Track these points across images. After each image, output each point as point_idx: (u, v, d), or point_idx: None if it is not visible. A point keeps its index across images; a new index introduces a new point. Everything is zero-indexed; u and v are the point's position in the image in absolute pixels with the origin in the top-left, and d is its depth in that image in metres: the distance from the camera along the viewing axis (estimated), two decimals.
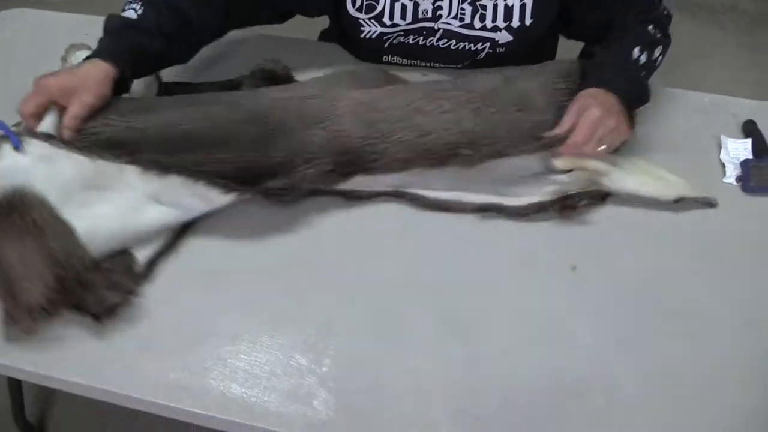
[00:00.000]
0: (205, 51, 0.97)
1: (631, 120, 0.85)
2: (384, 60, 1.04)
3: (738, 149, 0.91)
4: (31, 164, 0.73)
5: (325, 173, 0.78)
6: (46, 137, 0.75)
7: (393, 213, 0.82)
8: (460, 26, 0.95)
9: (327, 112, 0.80)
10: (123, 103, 0.82)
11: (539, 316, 0.72)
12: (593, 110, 0.80)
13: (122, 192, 0.75)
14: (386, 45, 1.00)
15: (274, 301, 0.73)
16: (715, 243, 0.80)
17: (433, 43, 0.98)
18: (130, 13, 0.85)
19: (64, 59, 0.98)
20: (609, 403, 0.65)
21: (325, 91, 0.85)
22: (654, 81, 0.93)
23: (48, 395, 1.38)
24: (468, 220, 0.81)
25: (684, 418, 0.64)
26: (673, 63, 1.02)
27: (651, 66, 0.91)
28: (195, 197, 0.76)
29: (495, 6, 0.93)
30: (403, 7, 0.95)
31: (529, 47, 0.98)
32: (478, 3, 0.93)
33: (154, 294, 0.73)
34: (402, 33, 0.98)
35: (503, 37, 0.95)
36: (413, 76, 1.02)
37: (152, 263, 0.75)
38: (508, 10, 0.93)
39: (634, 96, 0.87)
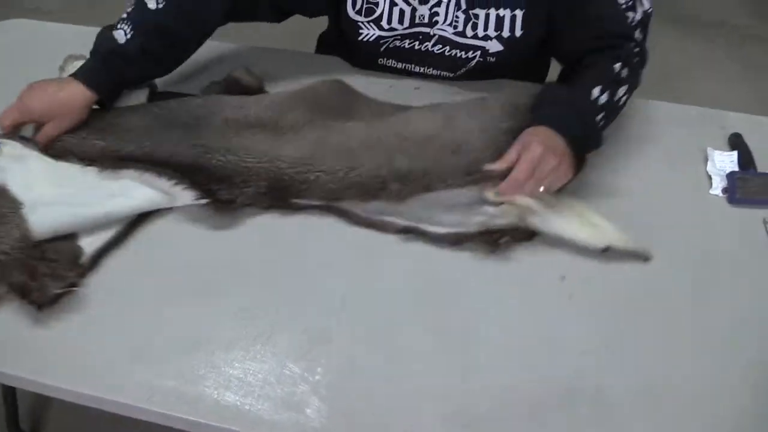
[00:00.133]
0: (201, 62, 0.99)
1: (581, 162, 0.82)
2: (380, 63, 1.06)
3: (724, 161, 0.92)
4: (5, 164, 0.81)
5: (260, 195, 0.82)
6: (22, 140, 0.84)
7: None
8: (454, 33, 0.97)
9: (265, 145, 0.85)
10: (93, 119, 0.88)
11: (528, 325, 0.73)
12: (535, 147, 0.78)
13: (82, 188, 0.81)
14: (383, 48, 1.01)
15: (268, 309, 0.73)
16: (701, 253, 0.81)
17: (428, 48, 1.00)
18: (120, 35, 0.87)
19: (62, 69, 0.99)
20: (596, 412, 0.65)
21: (275, 117, 0.89)
22: (642, 94, 0.95)
23: (42, 402, 1.38)
24: None
25: (670, 427, 0.65)
26: (662, 76, 1.04)
27: (613, 107, 0.87)
28: (145, 186, 0.81)
29: (487, 16, 0.95)
30: (401, 12, 0.96)
31: (519, 58, 0.99)
32: (471, 12, 0.95)
33: (148, 302, 0.74)
34: (399, 37, 0.99)
35: (494, 46, 0.97)
36: (405, 83, 1.04)
37: (98, 256, 0.77)
38: (500, 20, 0.95)
39: (583, 139, 0.83)
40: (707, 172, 0.92)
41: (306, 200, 0.82)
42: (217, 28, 0.96)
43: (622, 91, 0.87)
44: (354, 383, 0.67)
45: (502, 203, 0.79)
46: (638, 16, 0.92)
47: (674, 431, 0.65)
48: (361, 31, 0.99)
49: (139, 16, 0.88)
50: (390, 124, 0.86)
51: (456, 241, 0.79)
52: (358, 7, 0.97)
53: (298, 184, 0.82)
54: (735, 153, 0.93)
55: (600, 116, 0.85)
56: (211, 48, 1.09)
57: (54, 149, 0.85)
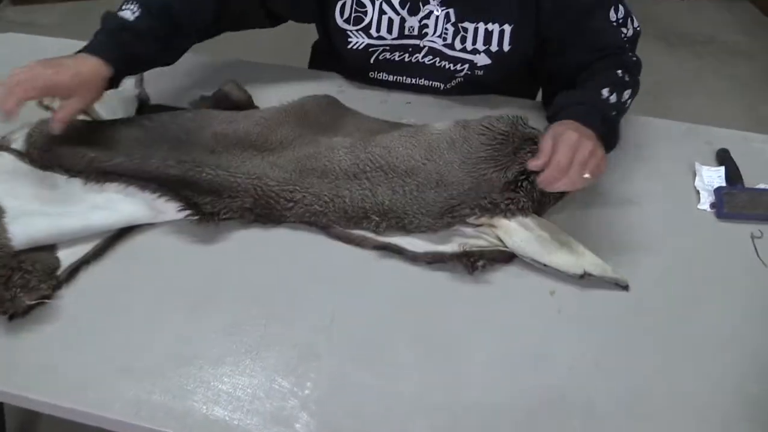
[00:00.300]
0: (192, 76, 0.99)
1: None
2: (371, 76, 1.07)
3: (712, 177, 0.93)
4: None
5: (245, 209, 0.82)
6: (17, 153, 0.85)
7: None
8: (443, 45, 0.98)
9: (254, 162, 0.85)
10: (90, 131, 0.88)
11: (518, 339, 0.73)
12: (570, 134, 0.77)
13: (65, 200, 0.81)
14: (372, 59, 1.02)
15: (257, 324, 0.73)
16: (689, 267, 0.82)
17: (418, 60, 1.01)
18: (127, 14, 0.88)
19: None
20: (587, 426, 0.65)
21: (265, 133, 0.89)
22: (632, 110, 0.96)
23: (31, 417, 1.36)
24: None
25: None
26: (652, 92, 1.06)
27: (620, 107, 0.89)
28: (128, 198, 0.81)
29: (476, 29, 0.96)
30: (390, 21, 0.97)
31: (507, 73, 1.01)
32: (460, 25, 0.96)
33: (137, 316, 0.73)
34: (388, 48, 1.00)
35: (482, 59, 0.97)
36: (397, 97, 1.05)
37: (77, 269, 0.77)
38: (488, 34, 0.96)
39: (606, 133, 0.84)
40: (695, 187, 0.93)
41: (291, 218, 0.83)
42: (214, 20, 0.96)
43: (626, 94, 0.91)
44: (343, 398, 0.67)
45: (481, 225, 0.81)
46: (630, 32, 0.97)
47: None
48: (350, 39, 0.99)
49: None
50: (374, 153, 0.87)
51: (432, 260, 0.79)
52: (346, 15, 0.98)
53: (285, 201, 0.83)
54: (722, 168, 0.94)
55: (614, 113, 0.89)
56: (201, 62, 1.10)
57: (44, 158, 0.84)
